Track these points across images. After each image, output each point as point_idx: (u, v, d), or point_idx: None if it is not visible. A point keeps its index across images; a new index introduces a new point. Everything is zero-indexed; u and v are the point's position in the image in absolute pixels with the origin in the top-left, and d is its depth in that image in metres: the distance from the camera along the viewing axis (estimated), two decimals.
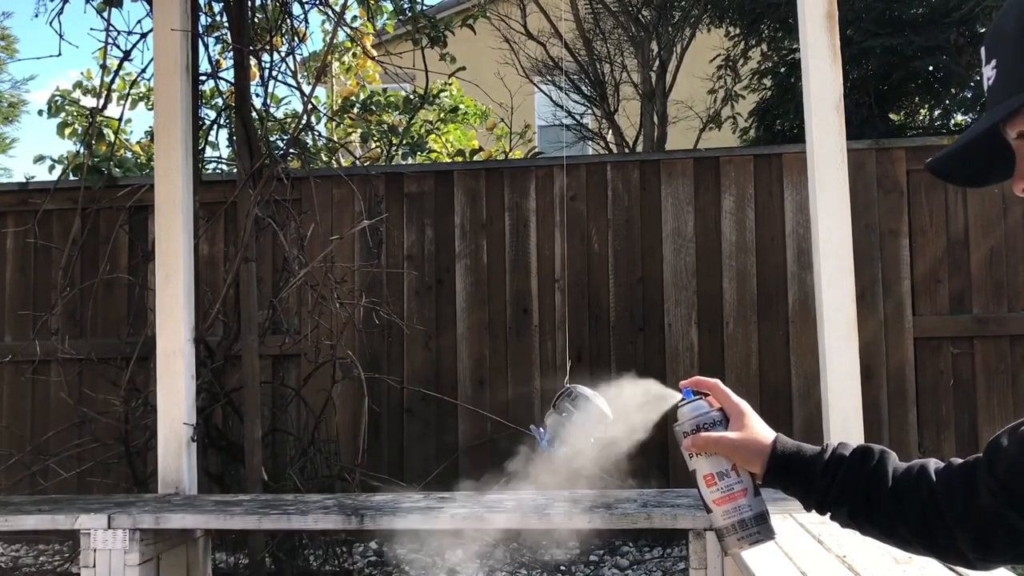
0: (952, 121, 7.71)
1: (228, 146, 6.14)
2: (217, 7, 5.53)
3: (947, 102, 7.57)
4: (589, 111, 10.37)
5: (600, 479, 1.67)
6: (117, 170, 6.11)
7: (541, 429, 1.62)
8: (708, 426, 1.38)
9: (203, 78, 4.98)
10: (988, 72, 1.15)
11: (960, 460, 1.30)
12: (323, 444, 4.88)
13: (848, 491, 1.31)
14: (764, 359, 5.36)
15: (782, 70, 7.90)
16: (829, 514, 1.34)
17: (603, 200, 5.58)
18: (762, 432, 1.37)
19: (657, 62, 9.18)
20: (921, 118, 7.95)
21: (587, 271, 5.55)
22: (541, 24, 9.73)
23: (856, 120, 6.45)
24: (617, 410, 1.52)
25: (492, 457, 5.09)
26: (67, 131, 6.77)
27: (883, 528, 1.31)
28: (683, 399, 1.43)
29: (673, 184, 5.53)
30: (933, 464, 1.31)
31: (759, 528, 1.37)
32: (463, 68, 6.05)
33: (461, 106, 7.76)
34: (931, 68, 6.96)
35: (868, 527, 1.32)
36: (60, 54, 7.41)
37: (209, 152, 5.60)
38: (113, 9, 4.87)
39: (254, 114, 4.96)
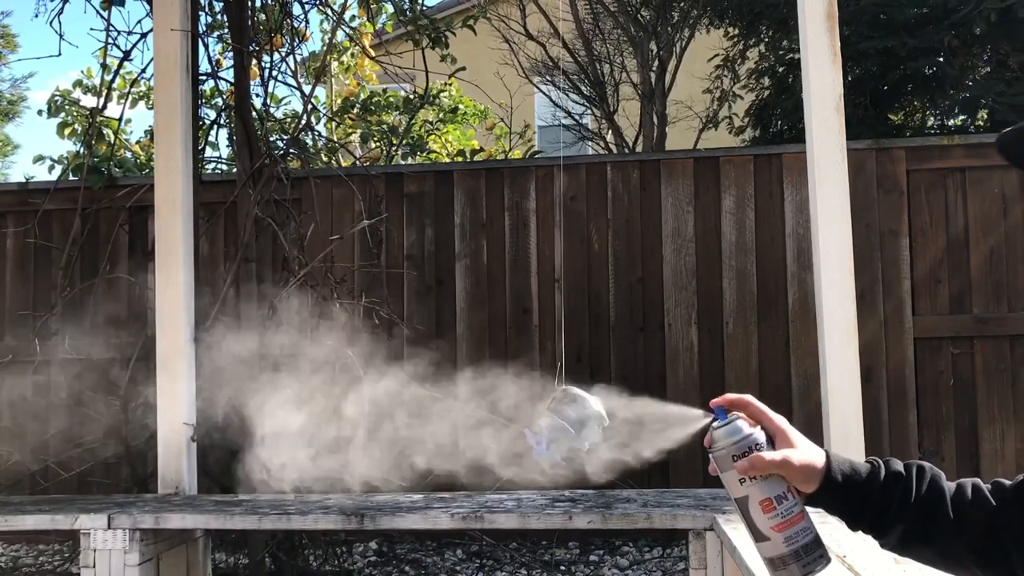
0: (951, 122, 7.72)
1: (228, 146, 6.15)
2: (217, 7, 5.55)
3: (940, 102, 7.59)
4: (589, 111, 10.38)
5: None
6: (117, 170, 6.11)
7: (537, 435, 1.58)
8: (759, 447, 1.28)
9: (203, 78, 4.98)
10: None
11: (1008, 481, 1.28)
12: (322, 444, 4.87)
13: (907, 510, 1.26)
14: (764, 359, 5.36)
15: (780, 70, 7.91)
16: (876, 536, 1.29)
17: (603, 200, 5.58)
18: (813, 451, 1.30)
19: (656, 62, 9.19)
20: (916, 119, 7.96)
21: (587, 271, 5.55)
22: (541, 24, 9.75)
23: (852, 121, 6.47)
24: (641, 433, 1.46)
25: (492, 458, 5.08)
26: (67, 131, 6.77)
27: (939, 547, 1.26)
28: (717, 420, 1.32)
29: (673, 184, 5.53)
30: (984, 485, 1.28)
31: (821, 551, 1.27)
32: (463, 68, 6.05)
33: (460, 106, 7.77)
34: (925, 70, 6.98)
35: (921, 547, 1.28)
36: (60, 54, 7.41)
37: (209, 152, 5.61)
38: (113, 9, 4.87)
39: (254, 114, 4.96)
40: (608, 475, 1.54)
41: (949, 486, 1.28)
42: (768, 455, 1.26)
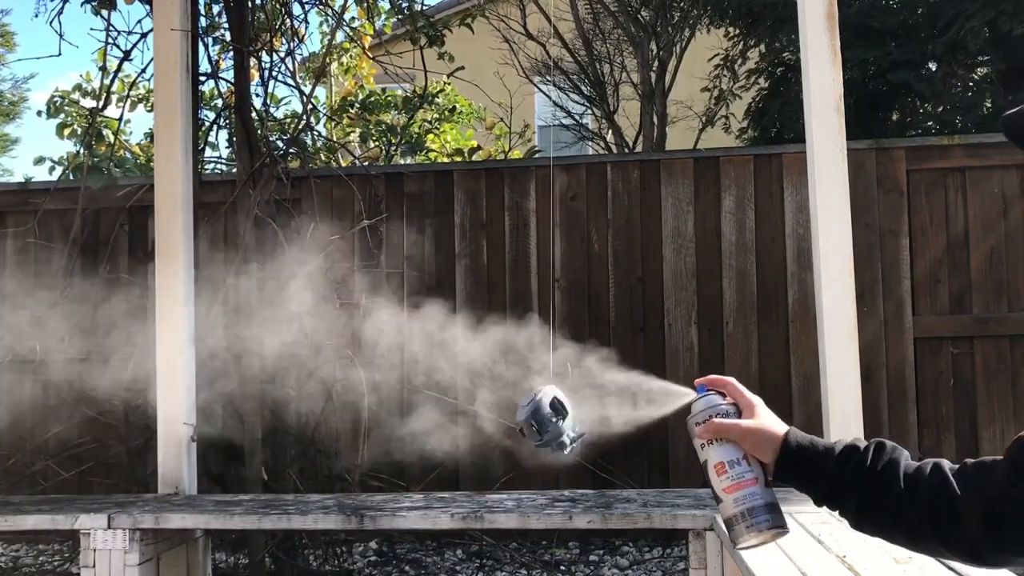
0: (934, 129, 7.74)
1: (228, 146, 6.14)
2: (217, 7, 5.54)
3: (920, 113, 7.61)
4: (589, 111, 10.38)
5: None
6: (117, 170, 6.11)
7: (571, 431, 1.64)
8: (721, 416, 1.41)
9: (203, 78, 4.98)
10: None
11: (975, 460, 1.29)
12: (323, 444, 4.88)
13: (860, 478, 1.31)
14: (764, 359, 5.35)
15: (779, 72, 7.92)
16: (837, 508, 1.34)
17: (603, 200, 5.58)
18: (774, 423, 1.40)
19: (656, 62, 9.19)
20: (898, 126, 7.97)
21: (587, 271, 5.55)
22: (541, 24, 9.74)
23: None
24: (632, 404, 1.60)
25: (492, 458, 5.08)
26: (66, 131, 6.76)
27: (892, 517, 1.29)
28: (698, 395, 1.47)
29: (673, 184, 5.53)
30: (947, 463, 1.30)
31: (769, 516, 1.37)
32: (462, 68, 6.05)
33: (457, 106, 7.77)
34: (906, 80, 7.00)
35: (876, 517, 1.31)
36: (60, 54, 7.39)
37: (209, 152, 5.60)
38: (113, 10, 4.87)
39: (254, 114, 4.96)
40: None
41: (909, 463, 1.31)
42: (720, 420, 1.40)
